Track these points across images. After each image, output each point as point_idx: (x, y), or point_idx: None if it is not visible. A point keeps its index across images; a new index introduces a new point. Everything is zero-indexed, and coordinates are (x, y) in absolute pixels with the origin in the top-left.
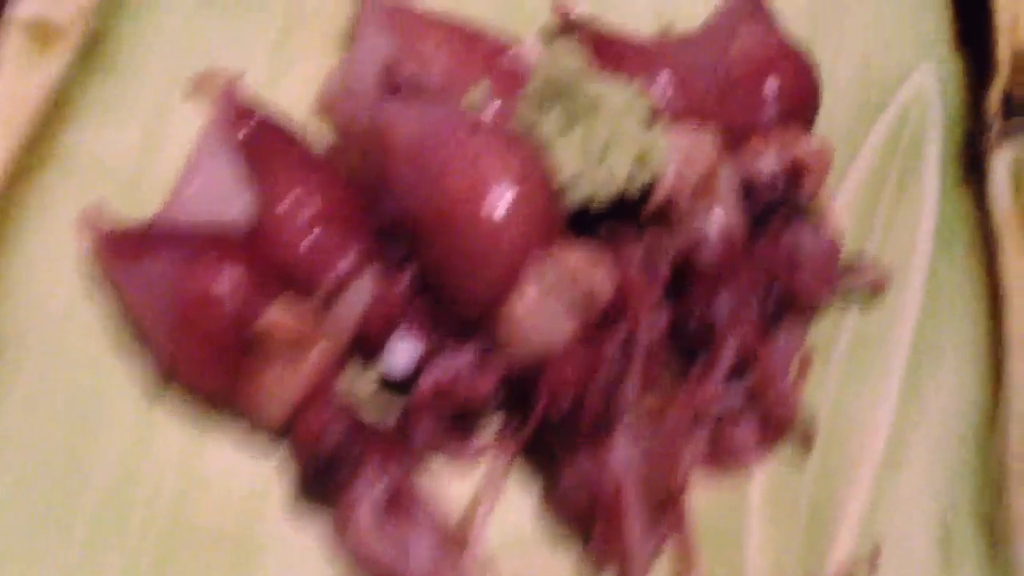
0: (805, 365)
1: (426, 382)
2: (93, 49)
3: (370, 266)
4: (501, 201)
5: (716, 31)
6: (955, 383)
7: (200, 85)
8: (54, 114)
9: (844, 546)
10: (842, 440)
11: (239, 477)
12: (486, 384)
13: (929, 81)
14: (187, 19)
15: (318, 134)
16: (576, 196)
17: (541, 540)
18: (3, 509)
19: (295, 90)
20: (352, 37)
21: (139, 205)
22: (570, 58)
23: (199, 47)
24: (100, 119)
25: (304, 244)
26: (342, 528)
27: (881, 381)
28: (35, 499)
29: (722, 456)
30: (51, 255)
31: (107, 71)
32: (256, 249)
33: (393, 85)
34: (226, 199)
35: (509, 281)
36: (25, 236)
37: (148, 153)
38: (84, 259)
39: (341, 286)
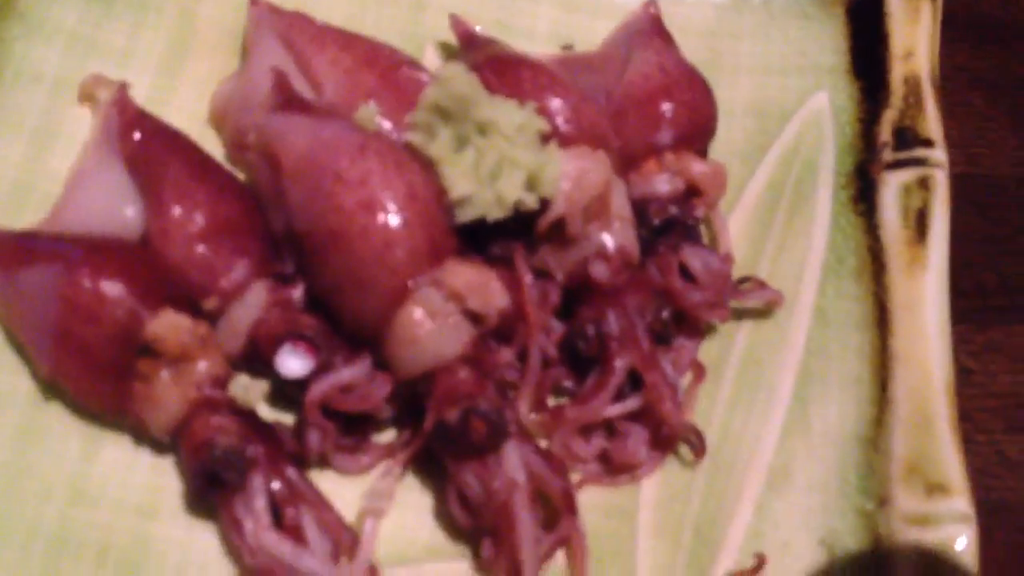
0: (696, 381)
1: (314, 393)
2: None
3: (260, 279)
4: (389, 220)
5: (614, 53)
6: (840, 402)
7: (89, 91)
8: None
9: (728, 561)
10: (730, 457)
11: (128, 487)
12: (376, 396)
13: (823, 108)
14: (77, 23)
15: (211, 145)
16: (466, 216)
17: (432, 551)
18: None
19: (187, 99)
20: (246, 48)
21: (23, 215)
22: (462, 81)
23: (89, 52)
24: None
25: (193, 255)
26: (232, 535)
27: (770, 400)
28: None
29: (615, 468)
30: None
31: None
32: (142, 259)
33: (283, 99)
34: (114, 209)
35: (397, 299)
36: None
37: (35, 163)
38: None
39: (232, 298)
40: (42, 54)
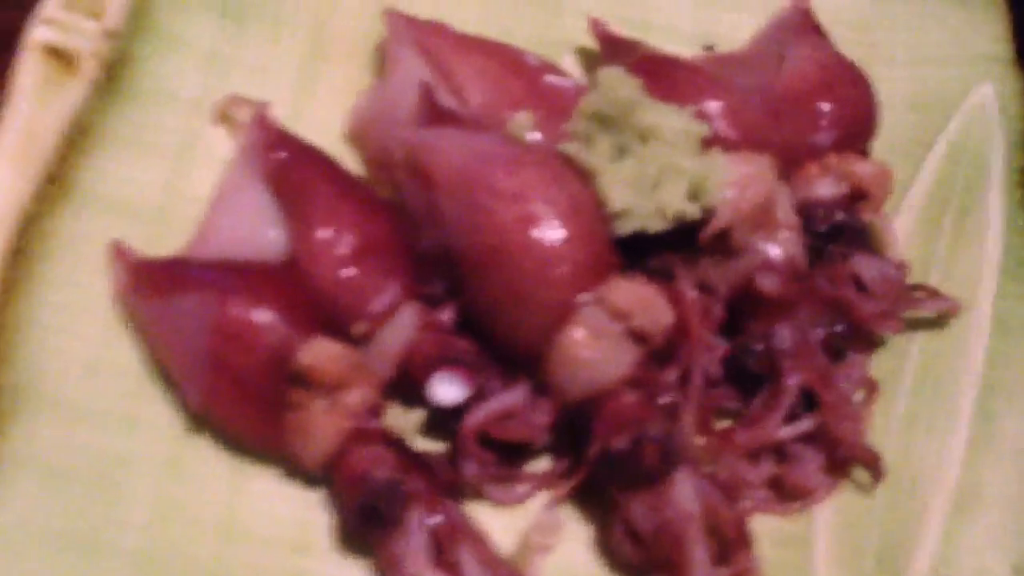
0: (870, 398)
1: (470, 422)
2: (114, 76)
3: (412, 301)
4: (550, 235)
5: (765, 50)
6: None
7: (226, 112)
8: (74, 146)
9: None
10: (911, 478)
11: (280, 521)
12: (538, 423)
13: (988, 100)
14: (212, 44)
15: (350, 162)
16: (626, 228)
17: None
18: None
19: (324, 116)
20: (383, 61)
21: (166, 241)
22: (623, 86)
23: (225, 73)
24: (123, 150)
25: (342, 278)
26: (390, 573)
27: (950, 416)
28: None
29: (786, 494)
30: (74, 297)
31: (129, 99)
32: (291, 284)
33: (432, 113)
34: (258, 232)
35: (559, 318)
36: (46, 277)
37: (174, 185)
38: (110, 300)
39: (382, 322)
40: (177, 72)
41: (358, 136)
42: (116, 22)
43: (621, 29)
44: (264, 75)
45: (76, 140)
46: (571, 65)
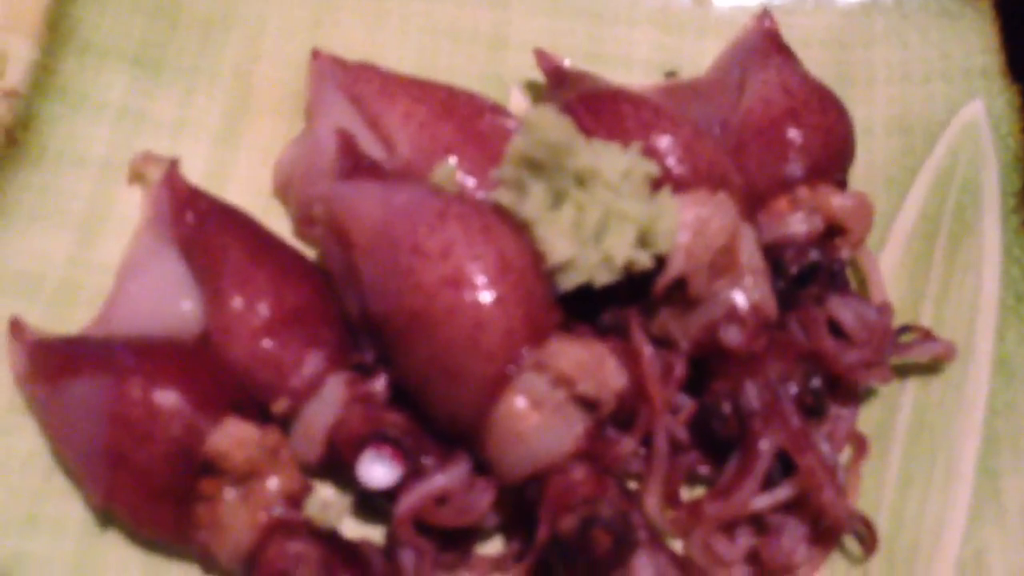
0: (859, 457)
1: (404, 507)
2: (15, 139)
3: (339, 372)
4: (479, 296)
5: (727, 77)
6: None
7: (139, 171)
8: None
9: None
10: (908, 548)
11: None
12: (478, 507)
13: (979, 118)
14: (124, 98)
15: (277, 222)
16: (570, 282)
17: None
18: None
19: (250, 173)
20: (309, 108)
21: (72, 318)
22: (553, 126)
23: (138, 130)
24: (25, 220)
25: (258, 351)
26: None
27: (950, 475)
28: None
29: (768, 570)
30: None
31: (32, 164)
32: (201, 362)
33: (350, 164)
34: (169, 304)
35: (494, 389)
36: None
37: (82, 256)
38: (10, 384)
39: (305, 397)
40: (87, 132)
41: (283, 191)
42: (16, 81)
43: (574, 60)
44: (182, 131)
45: None
46: (520, 104)
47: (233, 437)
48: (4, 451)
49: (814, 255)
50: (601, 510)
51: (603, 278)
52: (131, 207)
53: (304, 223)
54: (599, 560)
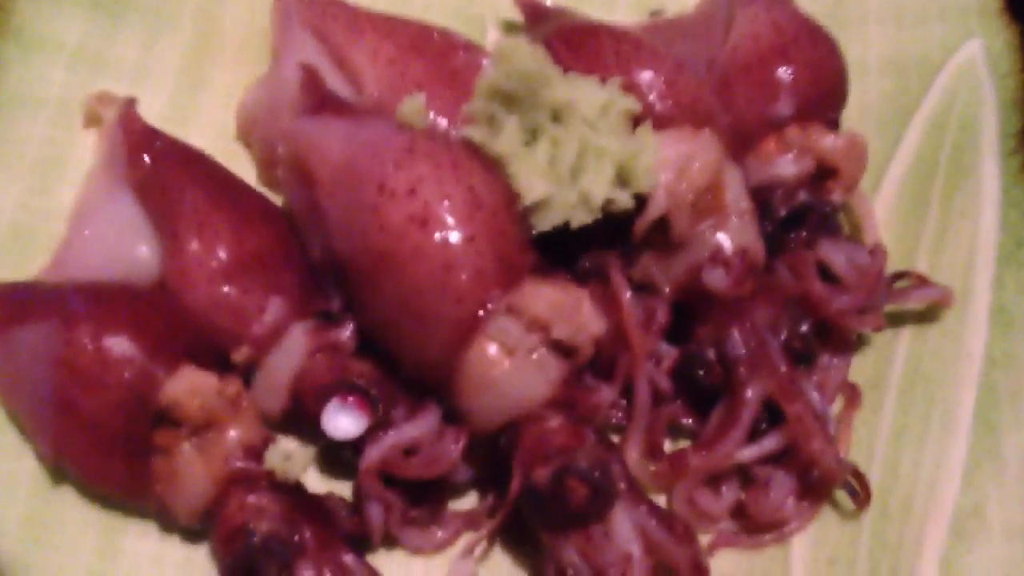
0: (851, 408)
1: (370, 458)
2: None
3: (302, 320)
4: (448, 236)
5: (714, 13)
6: None
7: (95, 113)
8: None
9: None
10: (901, 502)
11: None
12: (447, 457)
13: (977, 58)
14: (81, 41)
15: (241, 165)
16: (546, 223)
17: None
18: None
19: (213, 116)
20: (274, 47)
21: (26, 263)
22: (527, 58)
23: (96, 73)
24: None
25: (217, 297)
26: None
27: (946, 427)
28: None
29: (755, 525)
30: None
31: None
32: (156, 308)
33: (314, 100)
34: (125, 249)
35: (465, 334)
36: None
37: (35, 202)
38: None
39: (267, 346)
40: (43, 75)
41: (246, 133)
42: None
43: (554, 1)
44: (143, 73)
45: None
46: (497, 41)
47: (189, 385)
48: None
49: (804, 197)
50: (577, 460)
51: (580, 218)
52: (87, 152)
53: (268, 166)
54: (575, 512)
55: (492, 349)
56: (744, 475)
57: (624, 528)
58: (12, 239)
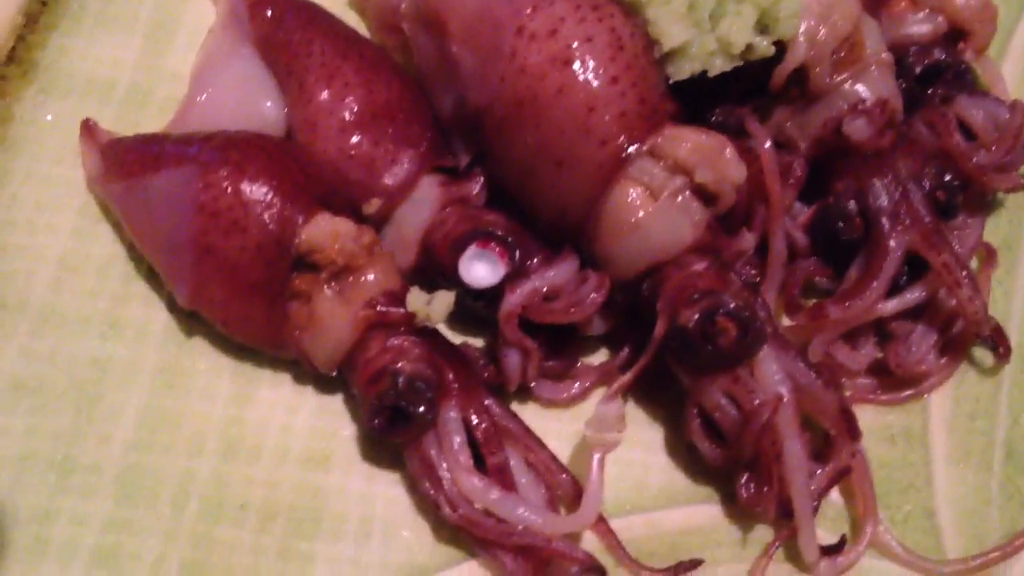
0: (987, 268)
1: (511, 302)
2: None
3: (431, 174)
4: (591, 75)
5: None
6: None
7: None
8: (35, 22)
9: None
10: None
11: (292, 432)
12: (591, 301)
13: None
14: None
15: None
16: (683, 71)
17: (669, 496)
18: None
19: None
20: None
21: (144, 124)
22: None
23: None
24: (91, 25)
25: (348, 150)
26: (424, 483)
27: None
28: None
29: (893, 381)
30: (41, 188)
31: None
32: (291, 156)
33: None
34: (249, 106)
35: (607, 177)
36: (7, 167)
37: (151, 62)
38: (83, 189)
39: (398, 199)
40: None
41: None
42: None
43: None
44: None
45: (37, 15)
46: None
47: (328, 230)
48: (80, 256)
49: (938, 54)
50: (726, 300)
51: (719, 66)
52: (201, 13)
53: (384, 29)
54: (724, 352)
55: (635, 192)
56: (882, 330)
57: (772, 370)
58: (130, 100)
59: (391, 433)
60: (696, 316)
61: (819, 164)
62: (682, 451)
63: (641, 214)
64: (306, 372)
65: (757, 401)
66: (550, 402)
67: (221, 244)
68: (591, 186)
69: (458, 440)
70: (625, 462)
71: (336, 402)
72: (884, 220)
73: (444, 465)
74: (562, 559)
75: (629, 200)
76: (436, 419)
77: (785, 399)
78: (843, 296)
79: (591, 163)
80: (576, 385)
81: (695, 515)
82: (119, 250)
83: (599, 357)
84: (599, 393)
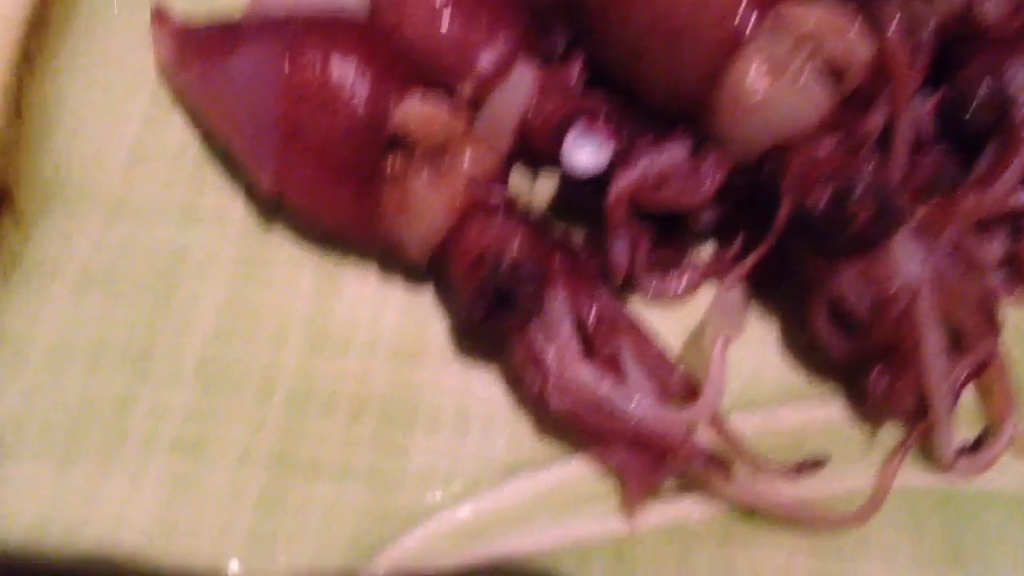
0: None
1: (620, 185)
2: None
3: (527, 54)
4: None
5: None
6: None
7: None
8: None
9: None
10: None
11: (380, 326)
12: (707, 185)
13: None
14: None
15: None
16: None
17: (789, 390)
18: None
19: None
20: None
21: (215, 10)
22: None
23: None
24: None
25: (439, 31)
26: (529, 371)
27: None
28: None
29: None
30: (111, 72)
31: None
32: (377, 39)
33: None
34: None
35: (726, 51)
36: (76, 50)
37: None
38: (155, 74)
39: (493, 82)
40: None
41: None
42: None
43: None
44: None
45: None
46: None
47: (422, 109)
48: (154, 144)
49: None
50: (859, 179)
51: None
52: None
53: None
54: (858, 234)
55: (758, 68)
56: (1016, 223)
57: (910, 254)
58: None
59: (492, 321)
60: (827, 197)
61: (944, 52)
62: (798, 346)
63: (765, 90)
64: (392, 268)
65: (893, 287)
66: (658, 294)
67: (309, 126)
68: (710, 62)
69: (567, 327)
70: (738, 357)
71: (425, 299)
72: (1019, 104)
73: (552, 354)
74: (682, 452)
75: (751, 77)
76: (542, 305)
77: (925, 284)
78: (974, 185)
79: (710, 40)
80: (685, 279)
81: (815, 412)
82: (192, 139)
83: (706, 253)
84: (707, 292)
